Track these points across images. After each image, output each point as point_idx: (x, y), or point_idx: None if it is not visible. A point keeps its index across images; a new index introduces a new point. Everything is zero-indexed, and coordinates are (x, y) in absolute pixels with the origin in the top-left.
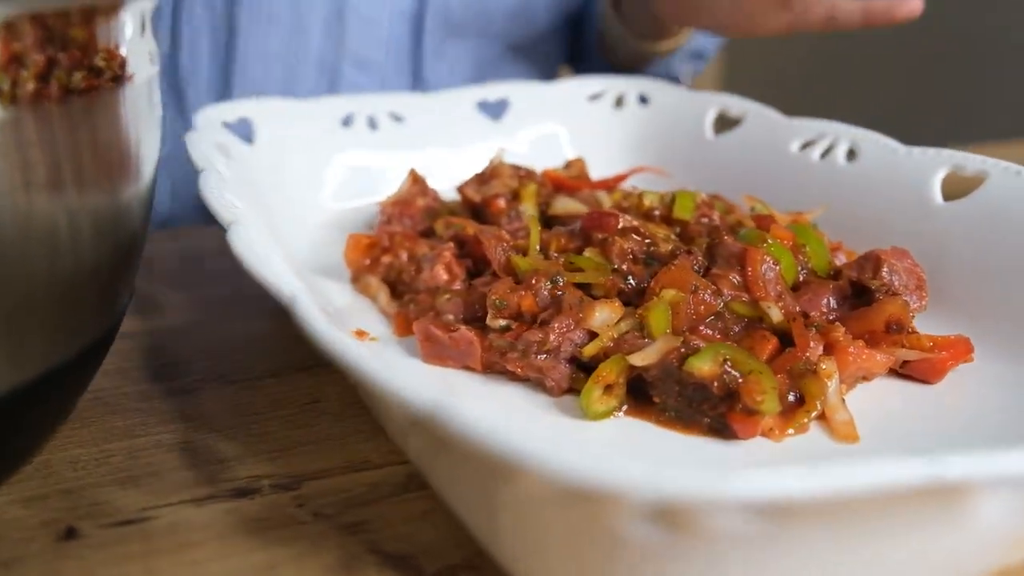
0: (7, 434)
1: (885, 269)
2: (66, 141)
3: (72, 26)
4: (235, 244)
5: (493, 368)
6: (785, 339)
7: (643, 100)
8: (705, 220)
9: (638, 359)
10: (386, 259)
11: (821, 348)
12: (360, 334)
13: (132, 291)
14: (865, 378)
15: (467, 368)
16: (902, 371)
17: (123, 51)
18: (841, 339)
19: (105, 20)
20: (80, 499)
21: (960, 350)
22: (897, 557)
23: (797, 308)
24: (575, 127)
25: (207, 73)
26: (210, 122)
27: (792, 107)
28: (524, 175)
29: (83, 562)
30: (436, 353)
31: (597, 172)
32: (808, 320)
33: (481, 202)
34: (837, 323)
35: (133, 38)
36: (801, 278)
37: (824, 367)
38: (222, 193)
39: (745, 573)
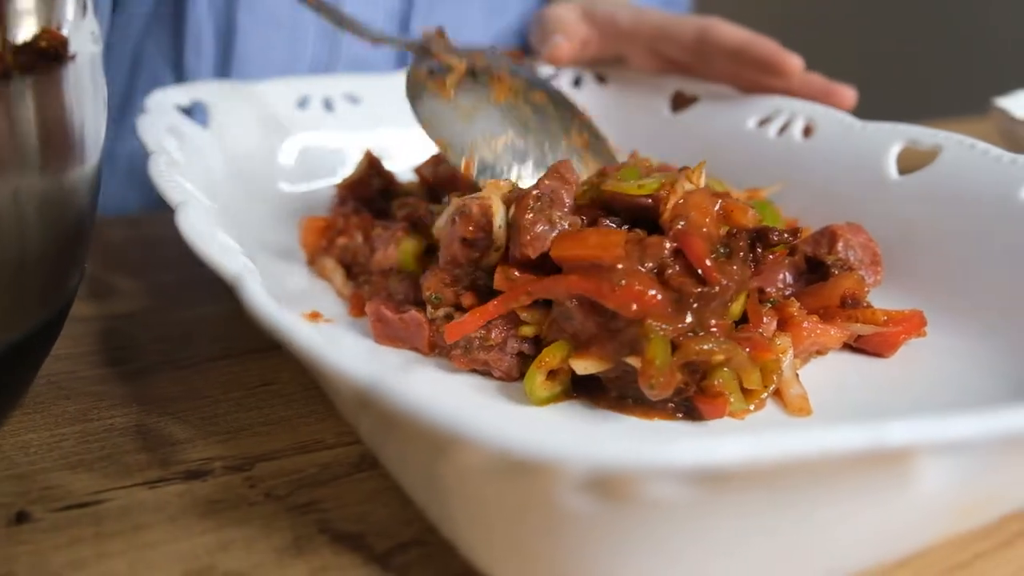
0: None
1: (840, 244)
2: (5, 122)
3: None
4: (181, 224)
5: (441, 353)
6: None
7: (600, 79)
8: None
9: (580, 367)
10: (341, 241)
11: (775, 324)
12: (314, 316)
13: (82, 273)
14: (819, 352)
15: (416, 350)
16: (856, 345)
17: (65, 31)
18: (795, 314)
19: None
20: (31, 484)
21: (913, 324)
22: (842, 526)
23: (753, 284)
24: None
25: (213, 73)
26: (162, 106)
27: None
28: None
29: (34, 546)
30: (387, 334)
31: None
32: (764, 296)
33: (434, 182)
34: (792, 299)
35: (75, 18)
36: None
37: (779, 343)
38: (172, 175)
39: (685, 542)
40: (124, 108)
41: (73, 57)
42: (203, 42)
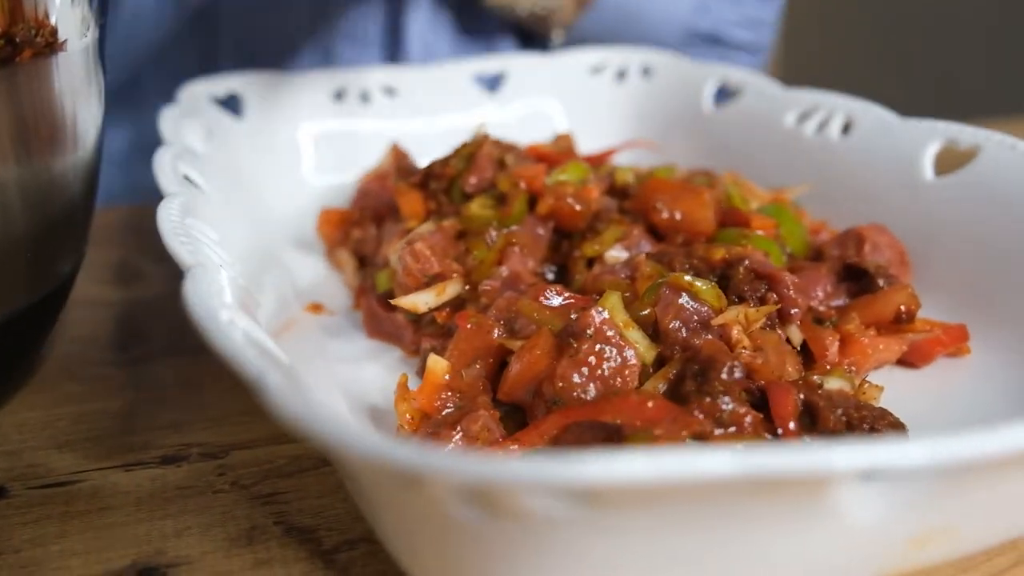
0: None
1: (868, 246)
2: None
3: None
4: (159, 215)
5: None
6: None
7: (646, 72)
8: None
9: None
10: (355, 233)
11: (836, 345)
12: (315, 307)
13: (79, 258)
14: (876, 367)
15: (403, 349)
16: None
17: (53, 20)
18: (854, 332)
19: None
20: (18, 461)
21: (953, 337)
22: (772, 556)
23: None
24: (573, 100)
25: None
26: (195, 96)
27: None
28: (505, 149)
29: (4, 521)
30: (376, 329)
31: (596, 146)
32: (814, 313)
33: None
34: (851, 314)
35: (63, 7)
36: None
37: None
38: (175, 166)
39: (570, 556)
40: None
41: (62, 45)
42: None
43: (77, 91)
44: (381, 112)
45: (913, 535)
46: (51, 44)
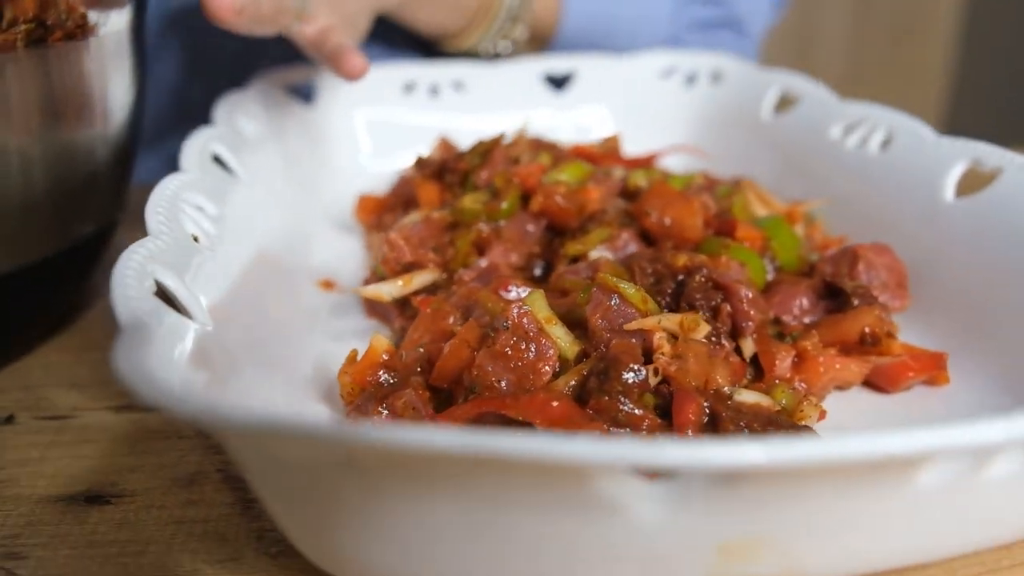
0: None
1: (861, 266)
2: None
3: None
4: (155, 189)
5: None
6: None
7: (715, 77)
8: None
9: None
10: (388, 219)
11: (790, 361)
12: (327, 284)
13: (109, 223)
14: (840, 387)
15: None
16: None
17: (85, 8)
18: (810, 349)
19: None
20: (31, 395)
21: (926, 365)
22: (544, 537)
23: (771, 313)
24: (637, 103)
25: None
26: (270, 83)
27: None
28: (545, 148)
29: (2, 442)
30: (371, 309)
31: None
32: (781, 327)
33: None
34: (812, 331)
35: None
36: (770, 276)
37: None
38: (206, 146)
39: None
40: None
41: (93, 29)
42: None
43: (107, 71)
44: (447, 105)
45: (722, 543)
46: (81, 27)
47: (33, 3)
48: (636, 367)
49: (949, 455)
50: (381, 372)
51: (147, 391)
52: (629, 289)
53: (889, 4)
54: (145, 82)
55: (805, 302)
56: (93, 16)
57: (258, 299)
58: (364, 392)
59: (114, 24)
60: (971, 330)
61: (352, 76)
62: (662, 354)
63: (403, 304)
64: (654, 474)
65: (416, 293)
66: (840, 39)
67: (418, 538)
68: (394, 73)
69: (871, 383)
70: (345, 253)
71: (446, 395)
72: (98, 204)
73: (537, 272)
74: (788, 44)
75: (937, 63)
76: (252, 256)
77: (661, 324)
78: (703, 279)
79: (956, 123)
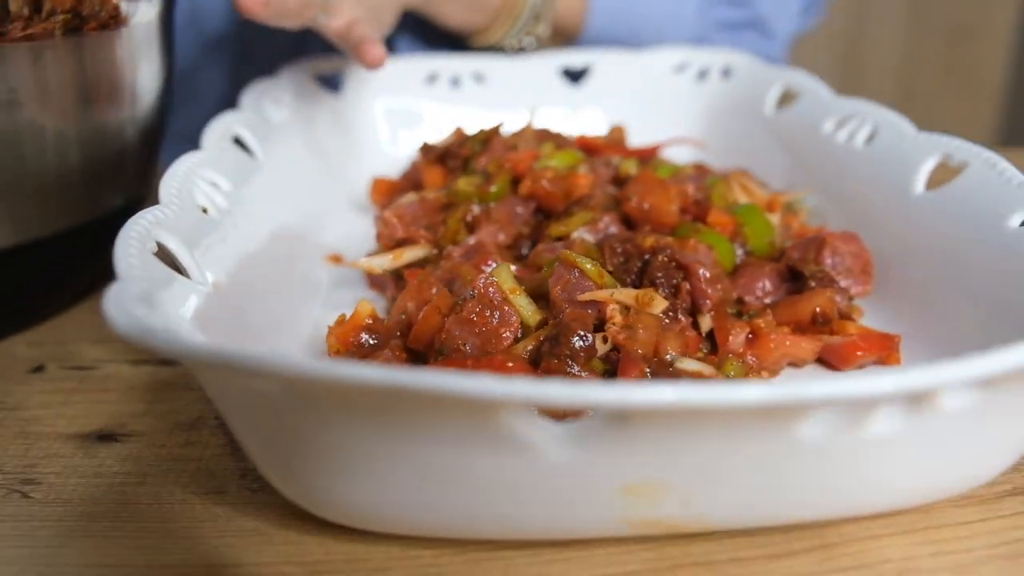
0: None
1: (827, 252)
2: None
3: None
4: (172, 165)
5: None
6: None
7: (725, 73)
8: None
9: None
10: (397, 200)
11: (744, 337)
12: (335, 258)
13: (137, 196)
14: (794, 364)
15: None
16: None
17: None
18: (763, 327)
19: None
20: (62, 348)
21: (877, 345)
22: (457, 468)
23: (734, 293)
24: (649, 96)
25: None
26: (298, 71)
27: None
28: (549, 137)
29: (29, 388)
30: (372, 281)
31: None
32: (743, 305)
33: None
34: (767, 310)
35: None
36: (739, 260)
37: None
38: (228, 128)
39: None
40: None
41: (125, 20)
42: None
43: (137, 59)
44: (467, 96)
45: (625, 485)
46: (114, 18)
47: None
48: (584, 333)
49: (822, 406)
50: (363, 334)
51: (124, 324)
52: (587, 264)
53: (943, 4)
54: (172, 69)
55: (768, 284)
56: (125, 7)
57: (265, 268)
58: (347, 351)
59: (144, 15)
60: (927, 314)
61: (371, 65)
62: (613, 324)
63: (398, 277)
64: (561, 415)
65: (408, 267)
66: (893, 42)
67: (361, 468)
68: (418, 64)
69: (824, 361)
70: (357, 232)
71: (423, 357)
72: (126, 180)
73: (524, 251)
74: (837, 48)
75: (996, 65)
76: (264, 230)
77: (615, 297)
78: (665, 259)
79: (1015, 126)
